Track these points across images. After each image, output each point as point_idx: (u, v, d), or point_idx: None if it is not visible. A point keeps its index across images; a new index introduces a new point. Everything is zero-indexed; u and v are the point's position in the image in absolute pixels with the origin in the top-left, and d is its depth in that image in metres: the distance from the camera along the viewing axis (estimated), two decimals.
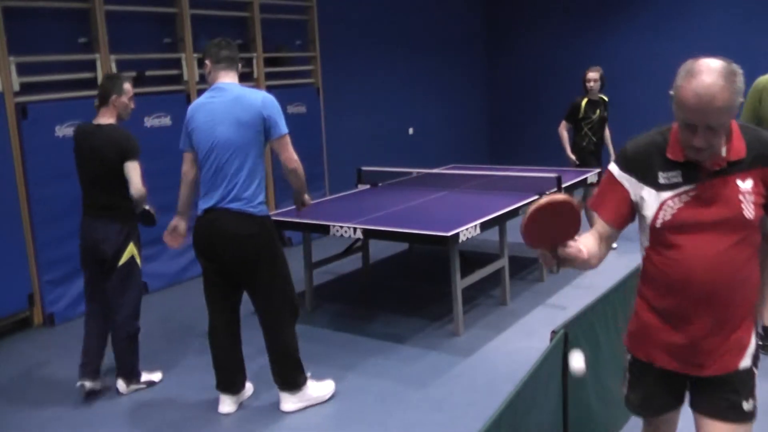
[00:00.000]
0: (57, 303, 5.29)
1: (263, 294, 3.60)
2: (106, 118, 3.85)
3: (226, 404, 3.74)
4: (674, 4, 9.86)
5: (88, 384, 3.90)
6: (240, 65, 3.64)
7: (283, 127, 3.48)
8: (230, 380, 3.74)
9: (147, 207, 3.91)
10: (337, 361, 4.33)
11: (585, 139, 6.55)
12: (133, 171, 3.76)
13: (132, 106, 3.95)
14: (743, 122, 2.28)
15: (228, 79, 3.55)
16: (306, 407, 3.72)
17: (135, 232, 3.91)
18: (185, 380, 4.16)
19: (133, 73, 5.86)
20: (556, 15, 10.91)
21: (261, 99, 3.46)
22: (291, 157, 3.52)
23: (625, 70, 10.16)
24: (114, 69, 5.65)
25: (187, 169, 3.68)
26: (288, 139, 3.51)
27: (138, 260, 3.93)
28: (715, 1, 9.60)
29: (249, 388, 3.90)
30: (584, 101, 6.45)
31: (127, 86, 3.89)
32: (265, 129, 3.45)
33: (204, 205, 3.54)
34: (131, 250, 3.86)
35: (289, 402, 3.71)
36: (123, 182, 3.77)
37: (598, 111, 6.49)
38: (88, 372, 3.92)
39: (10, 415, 3.83)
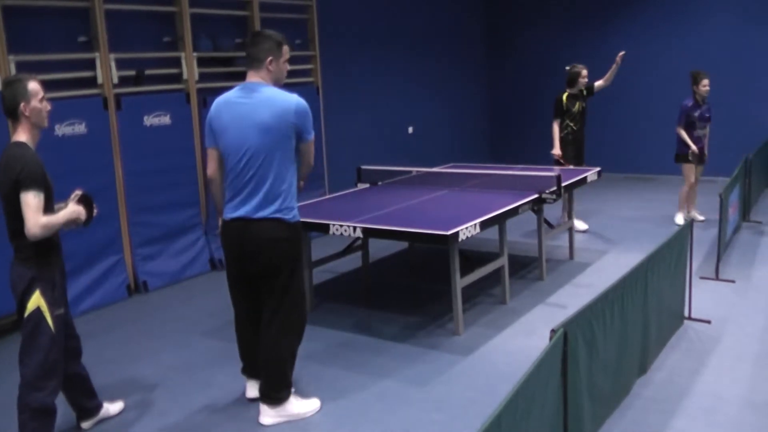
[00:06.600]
0: None
1: (277, 299, 3.53)
2: (18, 135, 3.11)
3: (252, 390, 3.82)
4: (674, 4, 9.86)
5: (85, 424, 3.61)
6: (269, 60, 3.44)
7: (311, 133, 3.52)
8: (251, 367, 3.79)
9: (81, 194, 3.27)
10: (337, 360, 4.33)
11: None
12: (26, 206, 2.97)
13: (48, 107, 3.16)
14: None
15: (255, 78, 3.47)
16: (284, 422, 3.60)
17: (45, 278, 3.12)
18: (186, 380, 4.17)
19: (133, 72, 5.89)
20: (555, 15, 10.91)
21: (294, 104, 3.39)
22: (312, 159, 3.63)
23: (625, 70, 10.15)
24: (114, 68, 5.66)
25: (214, 168, 3.57)
26: (313, 144, 3.58)
27: (47, 316, 3.11)
28: (716, 1, 9.60)
29: None
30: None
31: (33, 85, 3.08)
32: (296, 134, 3.43)
33: (234, 211, 3.44)
34: (36, 300, 3.09)
35: (267, 415, 3.61)
36: (22, 217, 3.00)
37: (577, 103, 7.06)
38: (80, 416, 3.61)
39: (9, 415, 3.83)
